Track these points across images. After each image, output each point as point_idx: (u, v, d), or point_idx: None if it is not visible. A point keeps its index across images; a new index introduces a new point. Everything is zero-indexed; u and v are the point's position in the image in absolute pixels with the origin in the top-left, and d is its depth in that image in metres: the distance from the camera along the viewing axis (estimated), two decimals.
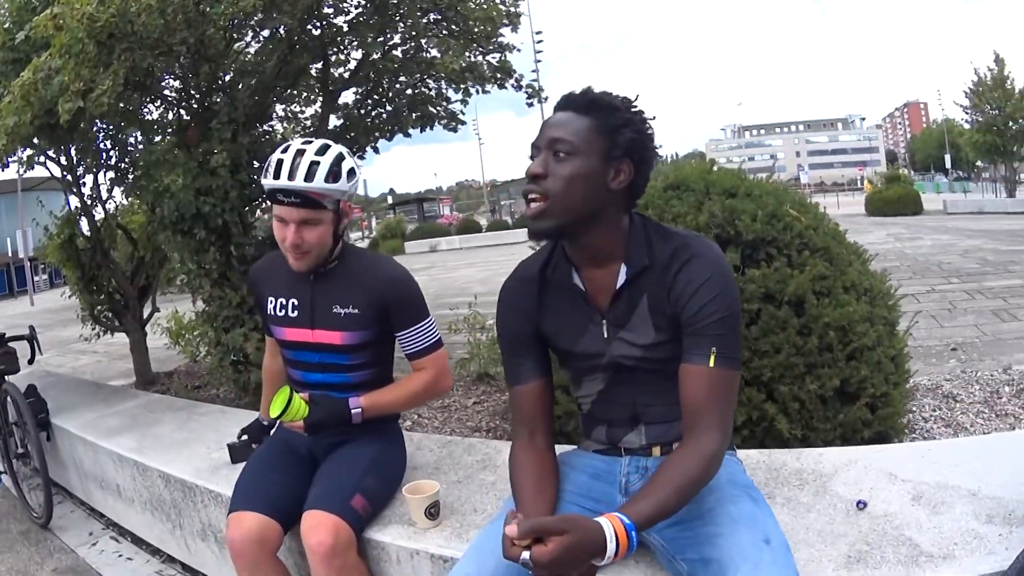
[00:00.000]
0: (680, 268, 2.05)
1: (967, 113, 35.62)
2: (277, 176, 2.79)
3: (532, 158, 2.06)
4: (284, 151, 2.84)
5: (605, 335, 2.18)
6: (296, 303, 3.05)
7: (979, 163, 49.89)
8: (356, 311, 2.98)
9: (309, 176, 2.79)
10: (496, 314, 2.39)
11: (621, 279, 2.13)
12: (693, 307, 2.01)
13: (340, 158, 2.89)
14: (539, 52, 46.50)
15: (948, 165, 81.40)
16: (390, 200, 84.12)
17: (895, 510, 2.52)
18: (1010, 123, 32.59)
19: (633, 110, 2.08)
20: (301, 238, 2.85)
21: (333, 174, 2.84)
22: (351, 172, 2.91)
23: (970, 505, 2.50)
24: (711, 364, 1.98)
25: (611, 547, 1.68)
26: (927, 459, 2.87)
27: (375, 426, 3.07)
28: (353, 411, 2.95)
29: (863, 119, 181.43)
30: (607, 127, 2.01)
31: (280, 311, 3.09)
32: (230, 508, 2.86)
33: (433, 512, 2.80)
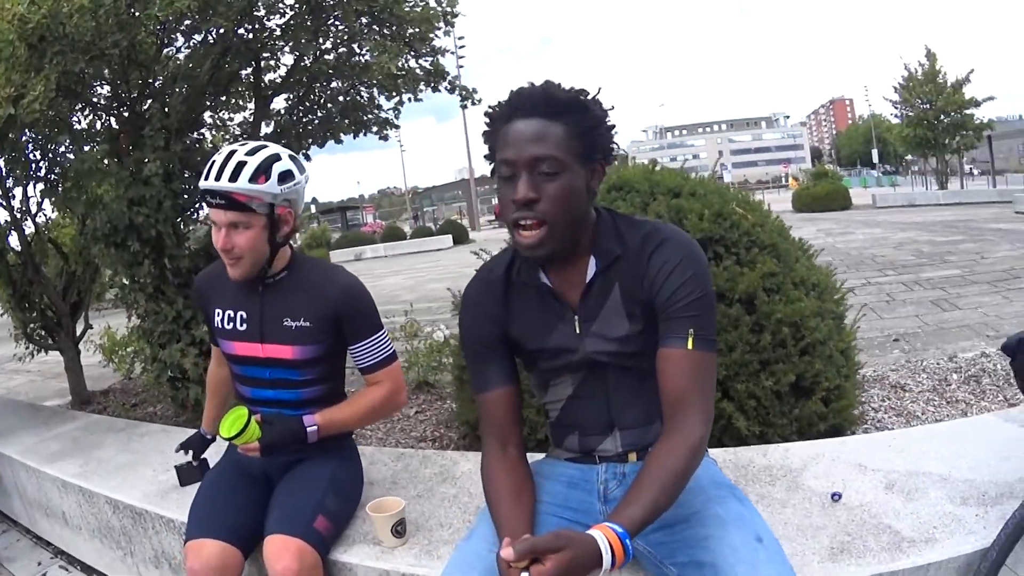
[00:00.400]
0: (653, 251, 2.01)
1: (896, 108, 36.17)
2: (207, 177, 2.71)
3: (504, 177, 1.94)
4: (219, 153, 2.76)
5: (577, 331, 2.11)
6: (244, 316, 2.92)
7: (908, 157, 50.87)
8: (308, 324, 2.86)
9: (234, 176, 2.68)
10: (460, 320, 2.31)
11: (591, 272, 2.06)
12: (668, 289, 1.96)
13: (273, 158, 2.77)
14: (461, 57, 46.70)
15: (875, 160, 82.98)
16: (314, 209, 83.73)
17: (870, 500, 2.54)
18: (942, 116, 33.16)
19: (599, 105, 1.99)
20: (230, 242, 2.74)
21: (262, 174, 2.72)
22: (286, 174, 2.78)
23: (943, 490, 2.55)
24: (689, 347, 1.93)
25: (607, 558, 1.62)
26: (893, 448, 2.93)
27: (331, 443, 2.97)
28: (309, 429, 2.82)
29: (787, 117, 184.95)
30: (582, 131, 1.93)
31: (228, 324, 2.95)
32: (186, 536, 2.73)
33: (400, 530, 2.71)
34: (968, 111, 33.30)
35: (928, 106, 33.58)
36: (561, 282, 2.11)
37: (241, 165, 2.70)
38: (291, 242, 2.99)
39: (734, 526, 1.88)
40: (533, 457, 2.36)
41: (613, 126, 2.01)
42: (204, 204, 2.83)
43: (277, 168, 2.75)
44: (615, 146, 2.05)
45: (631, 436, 2.15)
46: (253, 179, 2.69)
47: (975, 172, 48.66)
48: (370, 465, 3.48)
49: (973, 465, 2.70)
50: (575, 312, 2.10)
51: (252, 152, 2.75)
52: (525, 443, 2.25)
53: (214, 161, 2.73)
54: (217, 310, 2.98)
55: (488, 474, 2.13)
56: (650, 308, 2.01)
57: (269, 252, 2.83)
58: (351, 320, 2.89)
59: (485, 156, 2.04)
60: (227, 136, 7.18)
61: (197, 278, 3.19)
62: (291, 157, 2.85)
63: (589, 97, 1.97)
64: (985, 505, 2.43)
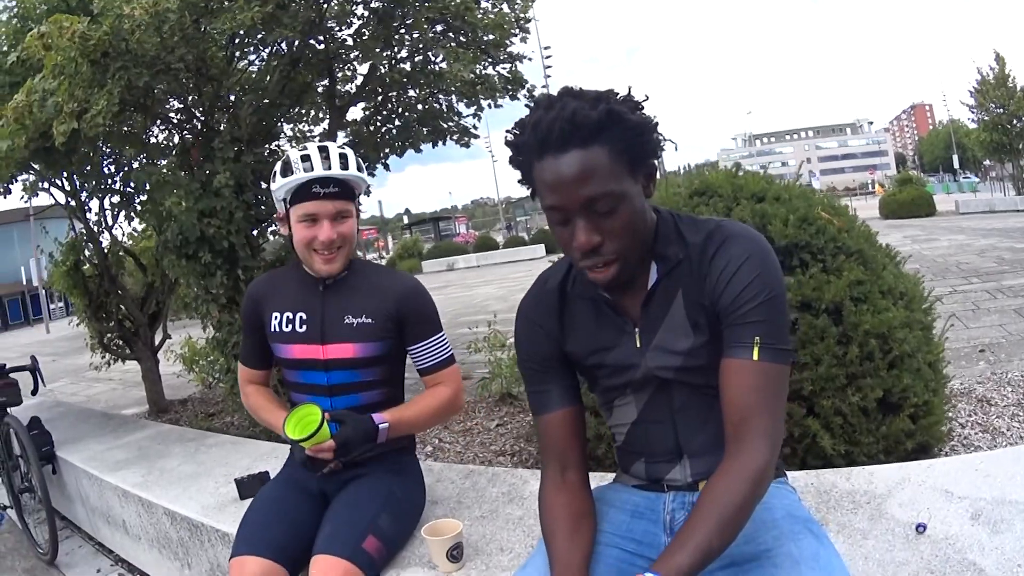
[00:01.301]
0: (716, 251, 1.81)
1: (973, 112, 35.51)
2: (311, 169, 2.69)
3: (556, 221, 1.77)
4: (301, 150, 2.75)
5: (638, 344, 1.92)
6: (304, 316, 2.87)
7: (987, 162, 49.88)
8: (370, 321, 2.81)
9: (345, 164, 2.73)
10: (515, 335, 2.16)
11: (652, 279, 1.89)
12: (732, 292, 1.76)
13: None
14: (548, 67, 46.64)
15: (956, 165, 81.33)
16: (406, 220, 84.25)
17: (955, 532, 2.36)
18: (1014, 121, 32.54)
19: (634, 105, 1.75)
20: (337, 232, 2.74)
21: (359, 165, 2.79)
22: (360, 166, 2.83)
23: None
24: (755, 357, 1.72)
25: None
26: (981, 472, 2.73)
27: (390, 457, 2.89)
28: (380, 426, 2.70)
29: (871, 123, 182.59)
30: (625, 145, 1.70)
31: (287, 326, 2.88)
32: (232, 552, 2.66)
33: (456, 555, 2.59)
34: None
35: (1001, 110, 32.92)
36: (620, 292, 1.93)
37: (345, 155, 2.76)
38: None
39: (807, 567, 1.70)
40: (597, 479, 2.23)
41: (656, 123, 1.77)
42: (295, 202, 2.74)
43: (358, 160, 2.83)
44: (661, 137, 1.81)
45: (701, 464, 1.96)
46: (359, 168, 2.78)
47: None
48: (436, 483, 3.39)
49: None
50: (636, 324, 1.93)
51: (341, 146, 2.81)
52: (589, 466, 2.09)
53: (307, 155, 2.71)
54: (275, 313, 2.92)
55: (545, 502, 1.98)
56: (715, 315, 1.82)
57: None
58: (413, 319, 2.86)
59: (519, 181, 1.84)
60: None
61: (250, 287, 3.10)
62: None
63: (620, 98, 1.73)
64: None
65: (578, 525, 1.89)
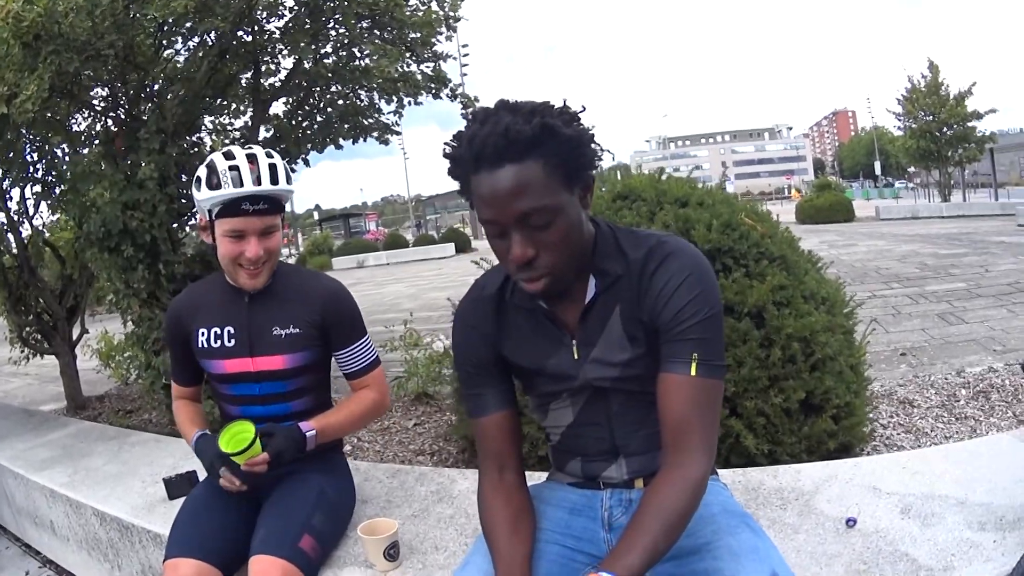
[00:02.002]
0: (656, 268, 1.83)
1: (899, 120, 36.12)
2: (239, 183, 2.59)
3: (492, 233, 1.77)
4: (228, 158, 2.62)
5: (576, 356, 1.95)
6: (232, 331, 2.81)
7: (911, 169, 50.86)
8: (297, 330, 2.79)
9: (274, 179, 2.64)
10: (452, 339, 2.18)
11: (590, 293, 1.91)
12: (672, 309, 1.80)
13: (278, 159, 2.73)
14: (465, 64, 46.65)
15: (878, 172, 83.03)
16: (316, 216, 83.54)
17: (885, 525, 2.45)
18: (944, 128, 33.14)
19: (570, 118, 1.75)
20: (264, 248, 2.67)
21: (287, 175, 2.70)
22: (288, 175, 2.74)
23: (960, 514, 2.47)
24: (692, 373, 1.77)
25: None
26: (908, 470, 2.84)
27: (320, 457, 2.86)
28: (307, 434, 2.68)
29: (790, 128, 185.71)
30: (560, 159, 1.70)
31: (215, 342, 2.82)
32: (165, 555, 2.61)
33: (392, 553, 2.60)
34: (971, 123, 33.26)
35: (931, 118, 33.50)
36: (558, 304, 1.95)
37: (274, 167, 2.66)
38: None
39: (747, 559, 1.74)
40: (533, 478, 2.27)
41: (591, 134, 1.78)
42: (221, 216, 2.64)
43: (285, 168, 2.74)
44: (598, 148, 1.81)
45: (637, 462, 2.01)
46: (287, 179, 2.69)
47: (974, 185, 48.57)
48: (364, 482, 3.38)
49: (989, 488, 2.62)
50: (573, 336, 1.96)
51: (269, 155, 2.70)
52: (524, 464, 2.12)
53: (236, 167, 2.60)
54: (201, 330, 2.84)
55: (484, 502, 2.01)
56: (653, 330, 1.85)
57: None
58: (337, 325, 2.85)
59: (458, 192, 1.85)
60: (227, 140, 7.09)
61: (171, 305, 3.03)
62: None
63: (555, 110, 1.73)
64: (1003, 530, 2.35)
65: (518, 523, 1.93)
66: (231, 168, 2.59)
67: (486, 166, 1.68)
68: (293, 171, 6.59)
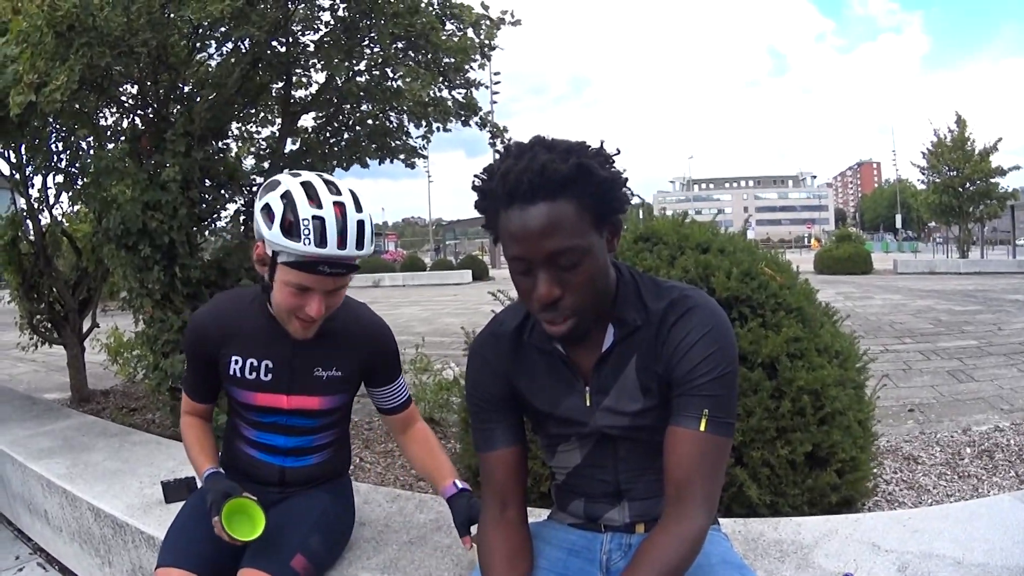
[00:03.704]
0: (675, 321, 1.85)
1: (923, 173, 36.01)
2: (323, 242, 2.30)
3: (519, 271, 1.77)
4: (312, 200, 2.33)
5: (587, 403, 1.96)
6: (271, 365, 2.67)
7: (931, 223, 50.70)
8: (340, 374, 2.72)
9: (361, 242, 2.38)
10: (466, 372, 2.17)
11: (608, 342, 1.92)
12: (688, 363, 1.80)
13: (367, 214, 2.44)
14: (496, 93, 46.69)
15: (899, 225, 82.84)
16: None
17: None
18: (967, 184, 33.03)
19: (604, 159, 1.75)
20: (327, 306, 2.49)
21: (372, 232, 2.44)
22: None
23: (957, 574, 2.46)
24: (702, 428, 1.77)
25: None
26: (908, 528, 2.82)
27: (329, 479, 2.87)
28: (462, 490, 2.70)
29: (814, 177, 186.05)
30: (593, 200, 1.71)
31: (249, 374, 2.67)
32: (157, 563, 2.57)
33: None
34: (993, 180, 33.18)
35: (955, 173, 33.40)
36: (575, 349, 1.96)
37: (362, 224, 2.37)
38: None
39: None
40: (533, 514, 2.25)
41: (624, 178, 1.78)
42: (297, 268, 2.37)
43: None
44: (629, 192, 1.81)
45: (640, 507, 2.03)
46: (372, 239, 2.44)
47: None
48: (363, 504, 3.36)
49: (987, 549, 2.61)
50: (587, 383, 1.96)
51: (358, 208, 2.39)
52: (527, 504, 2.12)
53: (319, 218, 2.30)
54: (235, 358, 2.68)
55: (484, 537, 2.01)
56: (667, 382, 1.86)
57: None
58: (381, 367, 2.81)
59: (483, 226, 1.86)
60: (252, 149, 7.09)
61: (197, 321, 2.77)
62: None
63: (590, 151, 1.74)
64: None
65: (515, 560, 1.94)
66: (315, 219, 2.30)
67: (519, 202, 1.68)
68: None
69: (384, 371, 2.82)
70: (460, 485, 2.69)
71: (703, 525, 1.75)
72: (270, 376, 2.67)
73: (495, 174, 1.72)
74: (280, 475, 2.81)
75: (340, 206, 2.34)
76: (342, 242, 2.32)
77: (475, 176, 1.80)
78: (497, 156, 1.78)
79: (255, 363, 2.67)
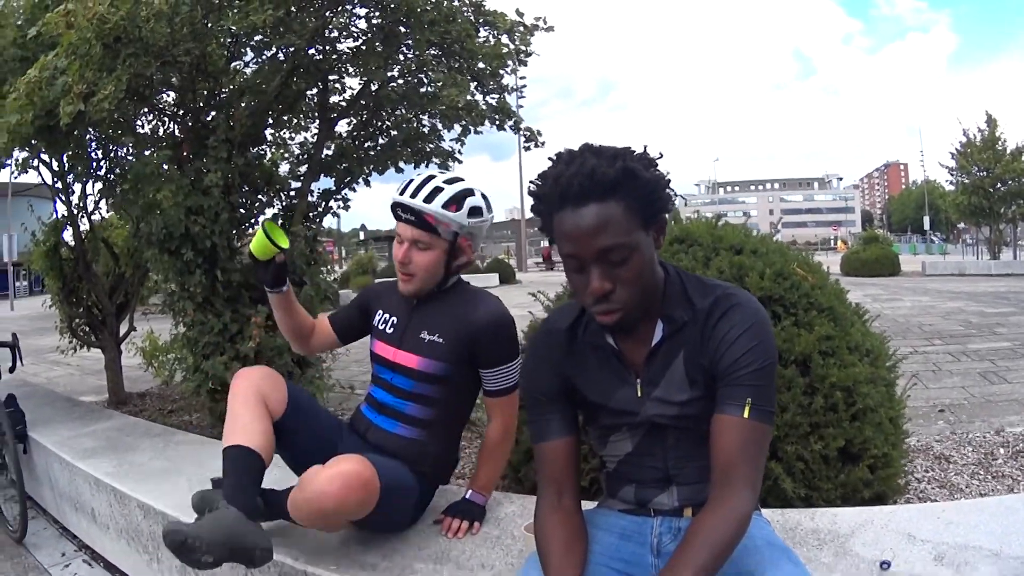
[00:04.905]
0: (720, 317, 1.98)
1: (952, 174, 35.55)
2: (402, 192, 3.00)
3: (572, 268, 1.92)
4: (420, 175, 3.07)
5: (639, 394, 2.09)
6: (395, 321, 3.20)
7: (960, 225, 50.07)
8: (441, 340, 3.07)
9: (429, 198, 2.95)
10: (523, 368, 2.36)
11: (657, 337, 2.05)
12: (732, 356, 1.93)
13: (468, 192, 3.03)
14: (522, 96, 46.60)
15: (927, 226, 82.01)
16: (362, 235, 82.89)
17: (919, 571, 2.50)
18: (998, 184, 32.61)
19: (648, 163, 1.91)
20: (409, 257, 3.02)
21: (455, 203, 2.98)
22: (476, 210, 3.04)
23: (994, 565, 2.49)
24: (745, 415, 1.90)
25: None
26: (943, 520, 2.86)
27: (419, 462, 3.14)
28: (476, 500, 3.20)
29: (840, 179, 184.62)
30: (639, 201, 1.86)
31: (382, 325, 3.24)
32: None
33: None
34: None
35: (985, 173, 32.89)
36: (626, 344, 2.10)
37: (438, 190, 2.97)
38: (462, 272, 3.23)
39: None
40: (585, 505, 2.33)
41: (668, 180, 1.94)
42: (393, 218, 3.06)
43: (470, 202, 3.02)
44: (672, 192, 1.98)
45: (688, 492, 2.13)
46: (446, 206, 2.96)
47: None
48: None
49: None
50: (638, 375, 2.09)
51: (450, 181, 3.03)
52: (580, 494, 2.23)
53: (412, 180, 3.03)
54: (379, 311, 3.28)
55: (541, 523, 2.10)
56: (712, 375, 1.98)
57: (443, 276, 3.11)
58: (487, 347, 3.08)
59: (540, 228, 2.00)
60: (287, 155, 7.19)
61: (368, 287, 3.58)
62: (483, 196, 3.10)
63: (635, 155, 1.89)
64: None
65: (572, 545, 2.03)
66: (409, 181, 3.05)
67: (571, 204, 1.83)
68: (353, 190, 6.71)
69: (487, 352, 3.09)
70: (471, 497, 3.17)
71: (749, 505, 1.85)
72: (392, 330, 3.20)
73: (548, 179, 1.88)
74: (367, 428, 3.23)
75: (431, 176, 3.04)
76: (414, 194, 2.96)
77: (531, 182, 1.95)
78: (550, 162, 1.92)
79: (387, 317, 3.24)
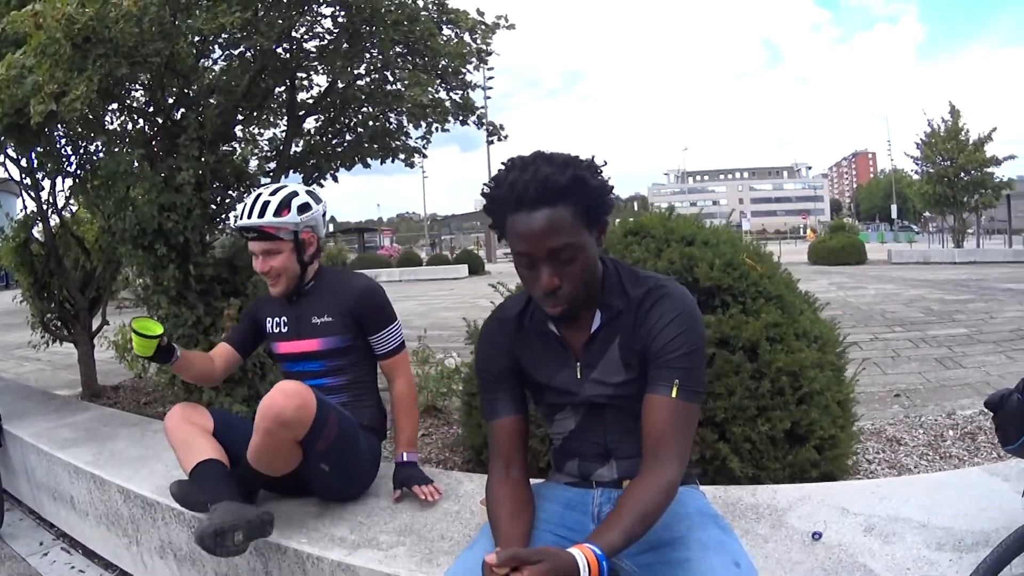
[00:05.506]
0: (652, 305, 2.15)
1: (917, 164, 36.07)
2: (240, 217, 3.41)
3: (523, 264, 2.09)
4: (251, 197, 3.46)
5: (578, 376, 2.26)
6: (285, 320, 3.59)
7: (926, 214, 50.30)
8: (330, 319, 3.49)
9: (261, 213, 3.36)
10: (475, 352, 2.55)
11: (595, 324, 2.23)
12: (661, 341, 2.11)
13: (291, 195, 3.43)
14: (489, 88, 46.64)
15: (894, 215, 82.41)
16: (331, 228, 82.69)
17: (849, 540, 2.68)
18: (961, 174, 32.97)
19: (595, 171, 2.08)
20: (267, 265, 3.43)
21: (284, 208, 3.39)
22: (303, 206, 3.44)
23: (920, 535, 2.67)
24: (673, 395, 2.06)
25: (584, 574, 1.73)
26: (877, 495, 3.05)
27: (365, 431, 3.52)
28: (408, 459, 3.56)
29: (809, 168, 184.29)
30: (586, 206, 2.03)
31: (275, 328, 3.62)
32: None
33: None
34: (988, 169, 32.97)
35: (949, 163, 33.22)
36: (568, 331, 2.28)
37: (266, 204, 3.37)
38: (317, 259, 3.63)
39: (713, 551, 2.01)
40: (534, 482, 2.50)
41: (611, 186, 2.11)
42: (243, 238, 3.50)
43: (296, 202, 3.42)
44: (615, 197, 2.18)
45: (625, 465, 2.29)
46: (276, 213, 3.37)
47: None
48: (380, 478, 3.68)
49: (953, 514, 2.82)
50: (578, 359, 2.27)
51: (274, 192, 3.42)
52: (528, 469, 2.39)
53: (245, 204, 3.41)
54: (268, 319, 3.66)
55: (491, 493, 2.27)
56: (645, 358, 2.16)
57: (300, 269, 3.51)
58: (369, 315, 3.53)
59: (491, 226, 2.17)
60: (256, 151, 7.30)
61: (251, 304, 3.98)
62: (307, 192, 3.51)
63: (584, 165, 2.06)
64: (960, 552, 2.54)
65: (519, 511, 2.20)
66: (243, 204, 3.46)
67: (525, 208, 2.00)
68: (321, 186, 6.83)
69: (369, 318, 3.54)
70: (407, 458, 3.54)
71: (676, 474, 2.03)
72: (286, 328, 3.60)
73: (503, 184, 2.04)
74: None
75: (258, 195, 3.42)
76: (248, 214, 3.37)
77: (484, 185, 2.13)
78: (502, 167, 2.09)
79: (277, 320, 3.64)
